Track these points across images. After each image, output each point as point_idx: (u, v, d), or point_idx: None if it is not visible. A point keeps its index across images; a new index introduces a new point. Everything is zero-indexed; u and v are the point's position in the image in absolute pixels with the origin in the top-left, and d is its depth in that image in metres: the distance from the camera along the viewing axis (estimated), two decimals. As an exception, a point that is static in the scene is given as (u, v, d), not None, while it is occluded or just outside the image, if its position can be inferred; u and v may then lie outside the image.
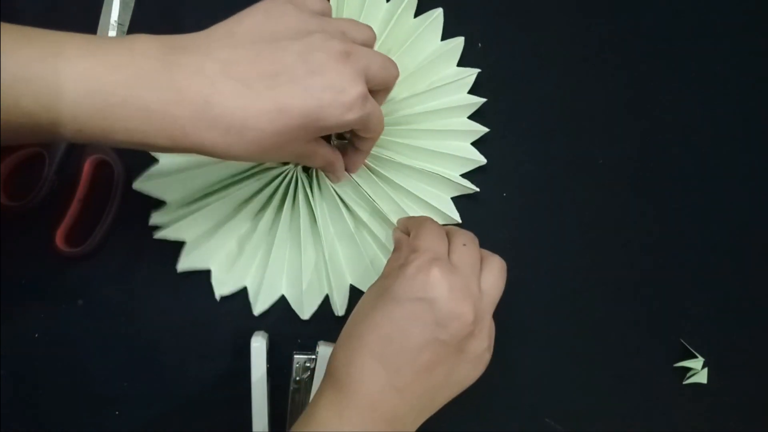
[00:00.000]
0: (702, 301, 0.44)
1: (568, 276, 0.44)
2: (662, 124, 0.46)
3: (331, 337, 0.42)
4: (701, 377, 0.43)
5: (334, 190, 0.42)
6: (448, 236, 0.36)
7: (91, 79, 0.28)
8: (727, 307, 0.45)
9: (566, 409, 0.43)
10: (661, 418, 0.44)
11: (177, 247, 0.42)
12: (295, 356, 0.41)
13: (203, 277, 0.43)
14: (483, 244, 0.38)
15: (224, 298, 0.43)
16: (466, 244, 0.35)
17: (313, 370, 0.40)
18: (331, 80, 0.32)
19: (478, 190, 0.43)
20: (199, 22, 0.45)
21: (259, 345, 0.40)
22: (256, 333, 0.41)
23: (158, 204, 0.42)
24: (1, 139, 0.29)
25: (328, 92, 0.32)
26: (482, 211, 0.44)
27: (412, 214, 0.42)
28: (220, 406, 0.42)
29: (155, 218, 0.42)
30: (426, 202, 0.42)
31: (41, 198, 0.41)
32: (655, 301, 0.44)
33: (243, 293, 0.43)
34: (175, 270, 0.42)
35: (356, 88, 0.32)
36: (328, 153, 0.38)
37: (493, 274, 0.35)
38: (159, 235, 0.42)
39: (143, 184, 0.42)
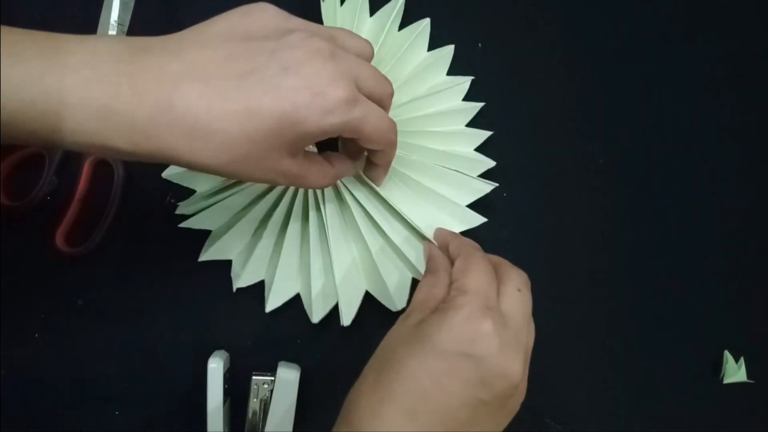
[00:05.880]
0: (698, 298, 0.45)
1: (568, 276, 0.44)
2: (662, 124, 0.46)
3: (337, 344, 0.42)
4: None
5: (349, 191, 0.40)
6: (498, 273, 0.33)
7: (48, 80, 0.27)
8: (726, 305, 0.45)
9: (566, 409, 0.43)
10: (661, 417, 0.44)
11: (177, 246, 0.42)
12: (254, 378, 0.40)
13: (204, 276, 0.43)
14: (484, 245, 0.37)
15: (229, 298, 0.42)
16: (521, 289, 0.32)
17: (272, 392, 0.39)
18: (308, 80, 0.29)
19: (497, 185, 0.42)
20: (199, 22, 0.45)
21: (216, 366, 0.39)
22: (215, 353, 0.40)
23: (187, 193, 0.42)
24: None
25: (304, 93, 0.28)
26: (483, 212, 0.43)
27: (431, 216, 0.40)
28: (220, 406, 0.42)
29: (181, 208, 0.42)
30: (448, 199, 0.41)
31: (41, 198, 0.41)
32: (654, 300, 0.44)
33: (252, 292, 0.43)
34: (175, 270, 0.42)
35: (338, 89, 0.29)
36: (326, 171, 0.35)
37: (532, 319, 0.32)
38: (184, 224, 0.42)
39: (172, 171, 0.42)
